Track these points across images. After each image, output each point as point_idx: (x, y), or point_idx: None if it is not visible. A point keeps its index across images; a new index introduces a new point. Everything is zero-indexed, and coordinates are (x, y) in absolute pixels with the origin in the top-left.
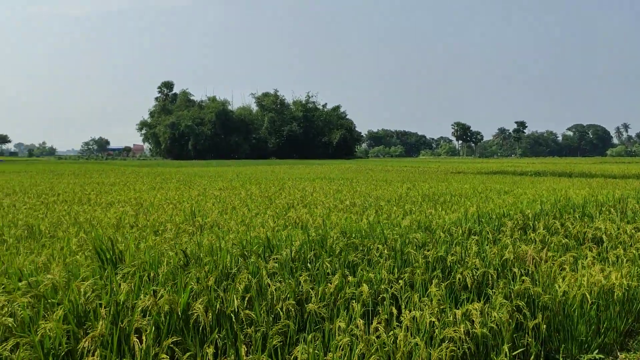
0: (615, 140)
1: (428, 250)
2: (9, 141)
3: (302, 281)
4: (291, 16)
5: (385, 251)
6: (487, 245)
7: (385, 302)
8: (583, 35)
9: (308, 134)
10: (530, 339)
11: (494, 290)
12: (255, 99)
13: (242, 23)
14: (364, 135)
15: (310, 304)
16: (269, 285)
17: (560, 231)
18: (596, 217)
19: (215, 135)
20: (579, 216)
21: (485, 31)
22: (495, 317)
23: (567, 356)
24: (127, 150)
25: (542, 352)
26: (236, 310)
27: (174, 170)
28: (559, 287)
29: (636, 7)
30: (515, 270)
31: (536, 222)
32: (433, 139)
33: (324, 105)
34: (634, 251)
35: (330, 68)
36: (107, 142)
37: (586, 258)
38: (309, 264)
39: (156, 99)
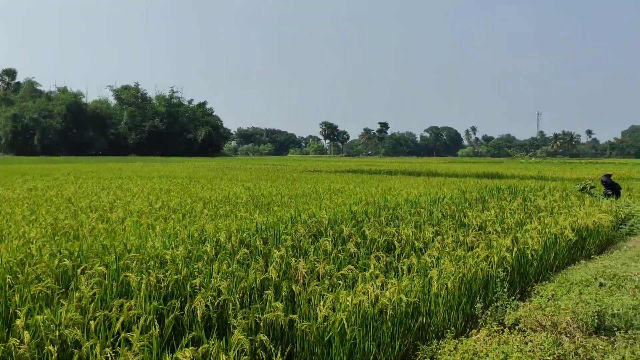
0: (465, 142)
1: (167, 272)
2: None
3: None
4: (160, 7)
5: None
6: (255, 259)
7: None
8: (436, 43)
9: (172, 130)
10: None
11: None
12: (113, 92)
13: (104, 9)
14: (234, 133)
15: None
16: None
17: (355, 238)
18: (404, 220)
19: (66, 129)
20: (384, 219)
21: (350, 34)
22: None
23: None
24: None
25: None
26: None
27: None
28: (321, 310)
29: (494, 20)
30: (270, 292)
31: (329, 229)
32: (302, 137)
33: (190, 101)
34: (427, 258)
35: (200, 63)
36: None
37: (368, 269)
38: None
39: None
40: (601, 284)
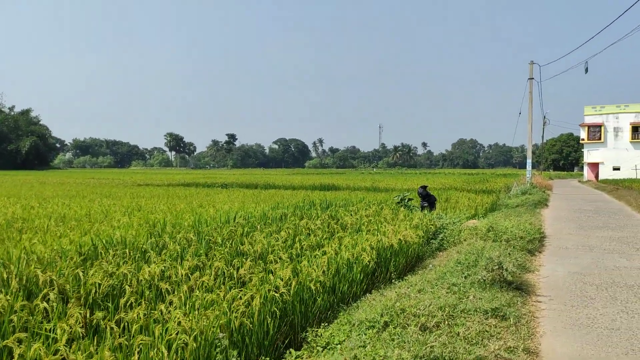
0: (312, 154)
1: None
2: None
3: None
4: None
5: None
6: None
7: None
8: (284, 55)
9: None
10: None
11: None
12: None
13: None
14: (69, 144)
15: None
16: None
17: (57, 285)
18: (164, 249)
19: None
20: (131, 251)
21: (192, 45)
22: None
23: None
24: None
25: None
26: None
27: None
28: None
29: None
30: None
31: (14, 273)
32: (147, 149)
33: (11, 108)
34: (163, 308)
35: (28, 66)
36: None
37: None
38: None
39: None
40: (386, 324)
